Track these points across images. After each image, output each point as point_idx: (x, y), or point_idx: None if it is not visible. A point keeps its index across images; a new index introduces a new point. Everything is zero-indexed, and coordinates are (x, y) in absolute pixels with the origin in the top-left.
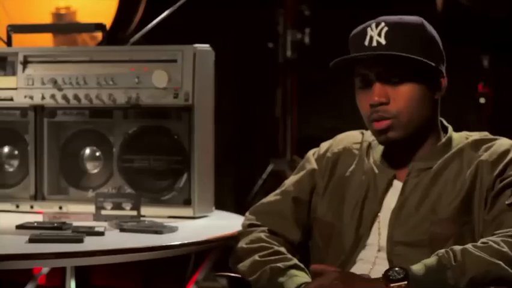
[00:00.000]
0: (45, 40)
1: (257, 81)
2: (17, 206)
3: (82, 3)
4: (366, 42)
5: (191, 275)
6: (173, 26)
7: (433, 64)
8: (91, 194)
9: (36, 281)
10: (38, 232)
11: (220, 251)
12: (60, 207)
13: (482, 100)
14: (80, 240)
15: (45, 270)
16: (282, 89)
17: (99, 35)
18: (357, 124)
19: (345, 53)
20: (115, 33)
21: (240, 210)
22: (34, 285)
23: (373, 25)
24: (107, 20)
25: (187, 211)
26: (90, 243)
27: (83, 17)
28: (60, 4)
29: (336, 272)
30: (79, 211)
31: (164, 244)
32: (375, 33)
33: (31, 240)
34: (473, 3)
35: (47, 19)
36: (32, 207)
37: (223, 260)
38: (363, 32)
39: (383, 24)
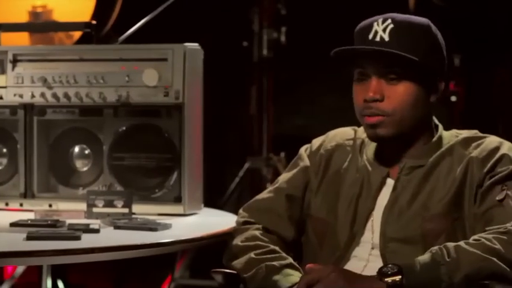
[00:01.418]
0: (21, 38)
1: (232, 79)
2: (7, 204)
3: (59, 1)
4: (370, 36)
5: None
6: (149, 24)
7: (431, 67)
8: (80, 191)
9: (13, 280)
10: (34, 230)
11: (197, 249)
12: (50, 205)
13: (453, 98)
14: (78, 238)
15: (20, 269)
16: (258, 87)
17: (76, 33)
18: (331, 122)
19: (322, 52)
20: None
21: (215, 208)
22: (10, 284)
23: (380, 20)
24: (84, 19)
25: (177, 208)
26: (87, 241)
27: (59, 16)
28: (37, 3)
29: (336, 273)
30: (68, 209)
31: (161, 241)
32: (381, 29)
33: (29, 238)
34: (445, 2)
35: (24, 17)
36: (21, 205)
37: (202, 258)
38: (370, 26)
39: (389, 21)
